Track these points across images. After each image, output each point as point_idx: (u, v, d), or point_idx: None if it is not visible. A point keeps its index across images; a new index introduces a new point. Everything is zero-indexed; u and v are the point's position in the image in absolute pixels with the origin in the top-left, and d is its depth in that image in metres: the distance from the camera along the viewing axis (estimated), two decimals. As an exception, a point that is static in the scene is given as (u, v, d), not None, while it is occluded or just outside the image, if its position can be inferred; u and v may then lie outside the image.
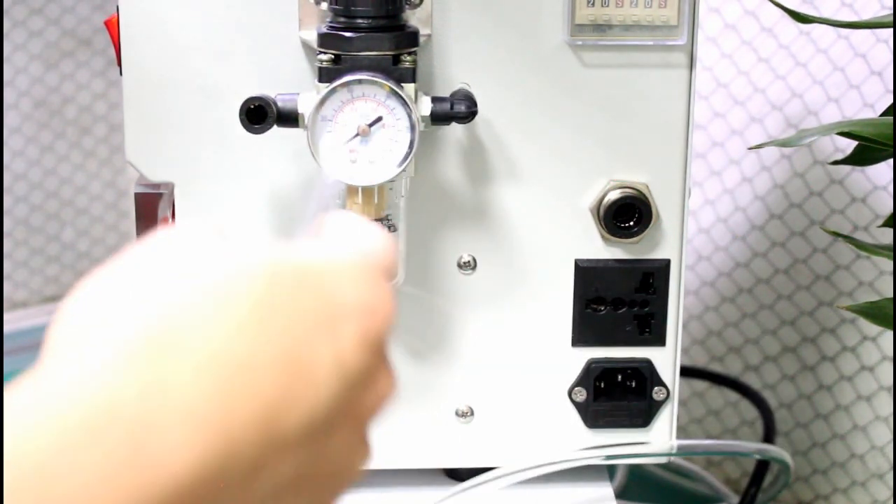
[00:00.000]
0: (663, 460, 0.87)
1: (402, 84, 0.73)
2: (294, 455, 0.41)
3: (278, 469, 0.40)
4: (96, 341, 0.39)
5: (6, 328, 1.46)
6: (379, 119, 0.73)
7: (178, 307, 0.39)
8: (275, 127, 0.75)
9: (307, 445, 0.41)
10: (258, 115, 0.75)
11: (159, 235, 0.43)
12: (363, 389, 0.43)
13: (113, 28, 0.79)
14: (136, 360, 0.38)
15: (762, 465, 1.04)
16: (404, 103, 0.72)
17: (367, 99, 0.72)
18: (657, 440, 0.86)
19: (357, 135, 0.73)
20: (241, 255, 0.41)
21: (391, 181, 0.74)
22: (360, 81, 0.72)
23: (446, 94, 0.78)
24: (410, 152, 0.73)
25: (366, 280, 0.43)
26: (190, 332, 0.39)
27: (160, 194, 0.79)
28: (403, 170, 0.73)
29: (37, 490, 0.35)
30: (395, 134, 0.73)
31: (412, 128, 0.73)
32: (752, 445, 0.91)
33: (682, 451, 0.88)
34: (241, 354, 0.39)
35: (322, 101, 0.72)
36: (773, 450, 0.90)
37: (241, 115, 0.74)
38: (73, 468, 0.36)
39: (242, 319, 0.39)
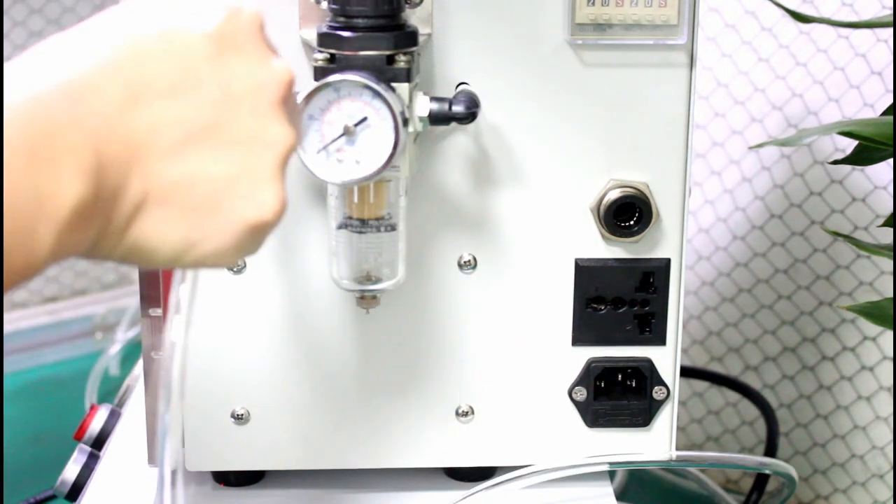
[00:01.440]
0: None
1: (396, 84, 0.73)
2: (183, 102, 0.54)
3: (190, 99, 0.55)
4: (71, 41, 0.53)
5: (6, 328, 1.46)
6: (364, 119, 0.72)
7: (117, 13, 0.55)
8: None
9: (198, 99, 0.55)
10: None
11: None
12: (255, 72, 0.58)
13: (113, 27, 0.79)
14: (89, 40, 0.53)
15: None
16: (388, 104, 0.72)
17: (354, 98, 0.72)
18: (657, 450, 0.86)
19: (343, 134, 0.73)
20: None
21: (385, 181, 0.74)
22: (344, 81, 0.72)
23: (446, 94, 0.78)
24: (394, 153, 0.73)
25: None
26: (118, 15, 0.55)
27: (160, 193, 0.79)
28: (387, 169, 0.73)
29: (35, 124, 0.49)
30: (380, 134, 0.72)
31: (396, 129, 0.72)
32: (756, 459, 0.91)
33: (683, 462, 0.88)
34: (136, 21, 0.55)
35: (307, 100, 0.72)
36: (776, 462, 0.90)
37: None
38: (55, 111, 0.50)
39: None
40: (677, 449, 0.87)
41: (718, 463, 0.89)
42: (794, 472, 0.89)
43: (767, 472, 0.91)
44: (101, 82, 0.52)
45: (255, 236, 0.57)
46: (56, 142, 0.50)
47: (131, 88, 0.53)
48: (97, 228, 0.52)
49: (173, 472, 0.63)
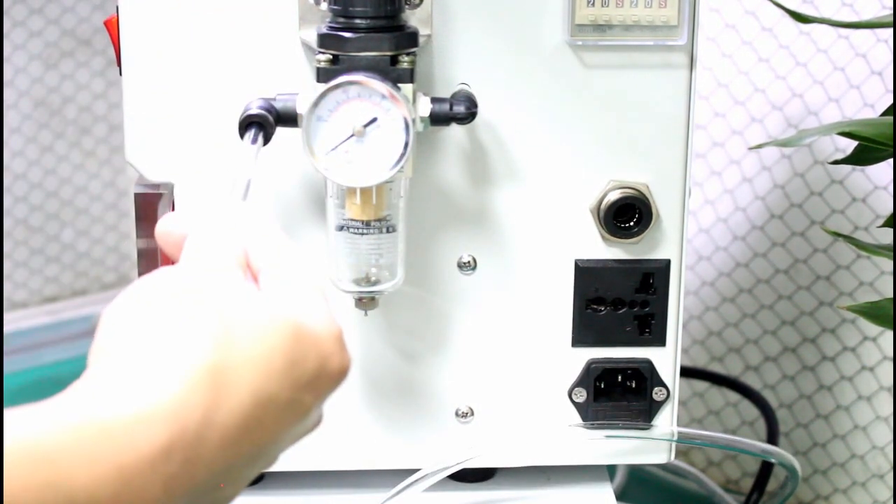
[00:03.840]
0: (662, 458, 0.87)
1: (400, 84, 0.73)
2: (256, 465, 0.54)
3: (242, 472, 0.54)
4: (167, 365, 0.50)
5: (6, 328, 1.46)
6: (374, 120, 0.72)
7: (232, 348, 0.51)
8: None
9: (265, 458, 0.55)
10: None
11: (190, 269, 0.56)
12: (312, 424, 0.58)
13: (113, 28, 0.79)
14: (202, 388, 0.50)
15: (765, 469, 1.04)
16: (398, 104, 0.72)
17: (363, 99, 0.72)
18: (656, 450, 0.86)
19: (352, 135, 0.73)
20: (273, 312, 0.54)
21: (388, 182, 0.74)
22: (354, 82, 0.72)
23: (446, 94, 0.78)
24: (405, 153, 0.73)
25: (343, 350, 0.57)
26: (239, 371, 0.51)
27: (160, 194, 0.79)
28: (399, 170, 0.73)
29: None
30: (390, 134, 0.73)
31: (407, 128, 0.72)
32: (759, 445, 0.90)
33: (683, 440, 0.87)
34: (267, 394, 0.52)
35: (317, 102, 0.72)
36: (780, 452, 0.89)
37: (239, 130, 0.74)
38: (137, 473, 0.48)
39: (275, 368, 0.53)
40: (677, 448, 0.87)
41: (721, 444, 0.89)
42: (796, 463, 0.89)
43: (771, 460, 0.90)
44: (211, 437, 0.51)
45: None
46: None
47: (237, 459, 0.52)
48: None
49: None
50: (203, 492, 0.52)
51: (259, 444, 0.53)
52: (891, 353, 1.06)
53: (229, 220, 0.60)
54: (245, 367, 0.52)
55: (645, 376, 0.84)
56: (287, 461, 0.84)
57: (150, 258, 0.79)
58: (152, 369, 0.50)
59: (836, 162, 0.91)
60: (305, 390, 0.55)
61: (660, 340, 0.84)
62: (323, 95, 0.72)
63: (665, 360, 0.85)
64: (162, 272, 0.55)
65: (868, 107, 1.05)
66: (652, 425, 0.85)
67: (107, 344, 0.52)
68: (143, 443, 0.48)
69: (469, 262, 0.83)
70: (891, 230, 0.99)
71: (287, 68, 0.79)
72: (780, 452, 0.89)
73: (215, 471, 0.51)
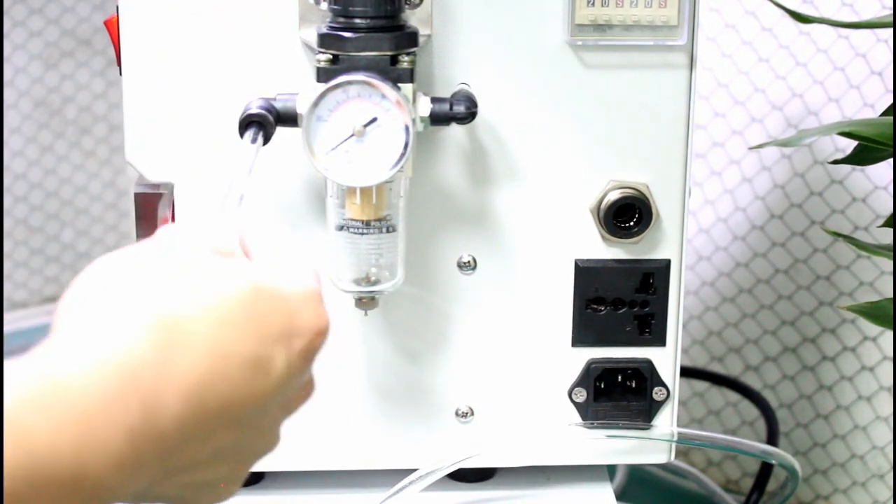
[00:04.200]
0: (662, 459, 0.87)
1: (400, 84, 0.73)
2: (237, 431, 0.54)
3: (222, 440, 0.53)
4: (118, 318, 0.50)
5: (6, 328, 1.46)
6: (374, 120, 0.72)
7: (186, 300, 0.52)
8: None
9: (249, 426, 0.54)
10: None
11: (165, 235, 0.56)
12: (297, 390, 0.57)
13: (113, 28, 0.79)
14: (153, 338, 0.50)
15: (765, 469, 1.04)
16: (398, 104, 0.72)
17: (363, 99, 0.72)
18: (656, 450, 0.86)
19: (352, 135, 0.73)
20: (235, 271, 0.54)
21: (388, 182, 0.74)
22: (354, 82, 0.72)
23: (446, 94, 0.78)
24: (405, 153, 0.73)
25: (317, 306, 0.57)
26: (194, 322, 0.51)
27: (160, 194, 0.79)
28: (399, 170, 0.73)
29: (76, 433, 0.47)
30: (390, 134, 0.73)
31: (407, 129, 0.72)
32: (759, 446, 0.90)
33: (683, 440, 0.87)
34: (226, 346, 0.52)
35: (317, 102, 0.72)
36: (780, 453, 0.89)
37: (239, 129, 0.74)
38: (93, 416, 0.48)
39: (233, 321, 0.52)
40: (677, 449, 0.87)
41: (721, 444, 0.89)
42: (796, 464, 0.89)
43: (771, 461, 0.90)
44: (176, 407, 0.50)
45: None
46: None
47: (206, 416, 0.52)
48: None
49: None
50: (185, 465, 0.52)
51: (230, 401, 0.52)
52: (891, 353, 1.06)
53: (215, 214, 0.60)
54: (200, 319, 0.52)
55: (645, 376, 0.84)
56: (287, 461, 0.85)
57: (150, 258, 0.78)
58: (103, 326, 0.50)
59: (836, 162, 0.91)
60: (274, 346, 0.54)
61: (660, 340, 0.84)
62: (323, 95, 0.72)
63: (665, 360, 0.85)
64: (123, 249, 0.55)
65: (868, 107, 1.05)
66: (652, 425, 0.85)
67: (64, 312, 0.52)
68: (97, 391, 0.48)
69: (469, 262, 0.83)
70: (891, 230, 0.99)
71: (287, 68, 0.79)
72: (779, 453, 0.89)
73: (188, 431, 0.51)
